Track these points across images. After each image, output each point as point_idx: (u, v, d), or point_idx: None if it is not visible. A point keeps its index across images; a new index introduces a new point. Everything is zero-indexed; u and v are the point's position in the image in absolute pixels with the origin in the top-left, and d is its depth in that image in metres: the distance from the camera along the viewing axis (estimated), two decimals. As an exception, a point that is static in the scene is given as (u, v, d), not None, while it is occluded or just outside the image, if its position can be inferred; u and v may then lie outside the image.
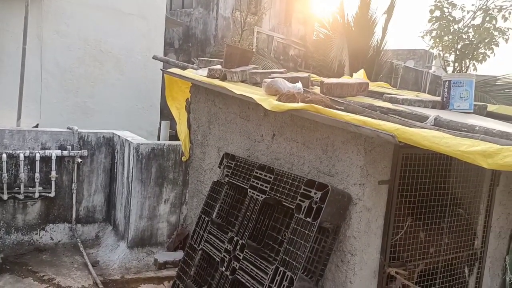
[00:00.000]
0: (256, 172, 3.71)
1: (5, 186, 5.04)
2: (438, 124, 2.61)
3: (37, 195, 5.27)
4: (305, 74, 4.24)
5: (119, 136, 5.68)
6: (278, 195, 3.38)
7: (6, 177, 5.02)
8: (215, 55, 11.34)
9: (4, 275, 4.50)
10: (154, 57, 6.44)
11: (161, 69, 8.35)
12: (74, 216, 5.61)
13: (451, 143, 2.19)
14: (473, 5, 10.29)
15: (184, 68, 5.50)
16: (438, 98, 3.73)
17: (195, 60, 8.02)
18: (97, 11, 8.50)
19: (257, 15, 11.06)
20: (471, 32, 9.84)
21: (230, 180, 4.05)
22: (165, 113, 9.83)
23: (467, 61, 10.01)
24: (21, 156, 5.08)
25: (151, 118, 9.56)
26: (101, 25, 8.55)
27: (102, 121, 8.49)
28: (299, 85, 3.58)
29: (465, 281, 3.66)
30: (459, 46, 9.93)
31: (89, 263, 4.92)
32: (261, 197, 3.54)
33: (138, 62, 9.21)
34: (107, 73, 8.81)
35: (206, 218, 4.15)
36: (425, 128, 2.48)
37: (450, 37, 9.83)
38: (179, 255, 5.11)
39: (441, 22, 9.73)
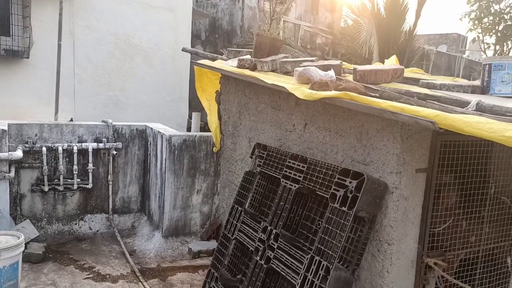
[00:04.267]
0: (289, 162, 3.70)
1: (45, 178, 5.25)
2: (480, 109, 2.51)
3: (75, 186, 5.47)
4: (337, 62, 4.17)
5: (151, 128, 5.79)
6: (312, 184, 3.36)
7: (47, 169, 5.22)
8: (241, 46, 11.31)
9: (47, 263, 4.71)
10: (184, 49, 6.49)
11: (191, 61, 8.42)
12: (110, 206, 5.79)
13: (496, 128, 2.10)
14: (516, -16, 9.78)
15: (213, 59, 5.52)
16: (478, 83, 3.59)
17: (223, 51, 8.03)
18: (126, 5, 8.64)
19: (285, 4, 10.94)
20: None
21: (262, 170, 4.06)
22: (194, 105, 9.94)
23: (509, 43, 9.52)
24: (60, 149, 5.27)
25: (180, 110, 9.70)
26: (129, 19, 8.70)
27: (133, 114, 8.69)
28: (331, 73, 3.52)
29: (507, 271, 3.54)
30: (500, 28, 9.44)
31: (126, 252, 5.07)
32: (294, 186, 3.53)
33: (166, 55, 9.33)
34: (136, 67, 8.98)
35: (239, 208, 4.18)
36: (466, 113, 2.40)
37: (491, 18, 9.34)
38: (212, 244, 5.19)
39: (481, 3, 9.26)
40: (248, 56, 4.83)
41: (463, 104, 2.64)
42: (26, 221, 5.20)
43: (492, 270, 3.41)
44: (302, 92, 3.24)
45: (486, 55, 9.68)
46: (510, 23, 9.37)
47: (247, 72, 4.28)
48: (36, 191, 5.31)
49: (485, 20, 9.38)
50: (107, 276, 4.55)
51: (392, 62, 5.69)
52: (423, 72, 5.98)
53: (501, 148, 3.32)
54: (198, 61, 5.50)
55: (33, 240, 5.04)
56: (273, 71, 4.35)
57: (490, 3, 9.23)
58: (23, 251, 4.07)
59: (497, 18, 9.28)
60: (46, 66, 7.52)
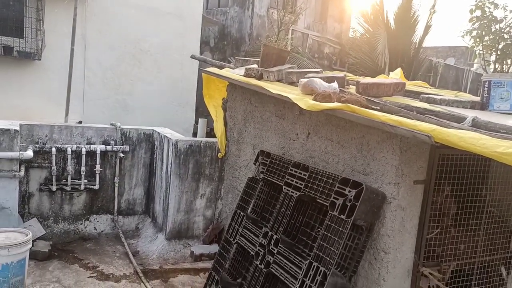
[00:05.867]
0: (291, 170, 3.80)
1: (54, 178, 5.38)
2: (476, 125, 2.60)
3: (82, 187, 5.59)
4: (341, 74, 4.28)
5: (158, 133, 5.91)
6: (313, 192, 3.46)
7: (55, 169, 5.36)
8: (250, 54, 11.46)
9: (53, 261, 4.83)
10: (192, 57, 6.63)
11: (199, 68, 8.56)
12: (116, 208, 5.90)
13: (488, 144, 2.19)
14: (515, 4, 9.99)
15: (221, 67, 5.64)
16: (478, 99, 3.68)
17: (231, 59, 8.18)
18: (137, 10, 8.80)
19: (293, 14, 11.08)
20: None
21: (265, 177, 4.16)
22: (200, 110, 10.08)
23: (509, 61, 9.70)
24: (69, 150, 5.40)
25: (187, 115, 9.81)
26: (140, 24, 8.86)
27: (140, 118, 8.82)
28: (335, 84, 3.63)
29: (502, 282, 3.60)
30: (500, 46, 9.64)
31: (130, 253, 5.17)
32: (296, 194, 3.62)
33: (175, 60, 9.47)
34: (145, 71, 9.13)
35: (242, 213, 4.28)
36: (462, 129, 2.49)
37: (491, 36, 9.55)
38: (214, 248, 5.29)
39: (482, 22, 9.47)
40: (255, 66, 4.95)
41: (460, 119, 2.73)
42: (33, 219, 5.33)
43: (487, 282, 3.47)
44: (306, 102, 3.34)
45: (487, 72, 9.82)
46: (510, 42, 9.52)
47: (253, 81, 4.40)
48: (44, 191, 5.44)
49: (486, 38, 9.55)
50: (110, 276, 4.66)
51: (397, 75, 5.79)
52: (427, 85, 6.07)
53: (498, 163, 3.39)
54: (206, 69, 5.63)
55: (39, 238, 5.17)
56: (278, 81, 4.47)
57: (491, 22, 9.40)
58: (30, 248, 4.18)
59: (497, 37, 9.44)
60: (58, 69, 7.67)
